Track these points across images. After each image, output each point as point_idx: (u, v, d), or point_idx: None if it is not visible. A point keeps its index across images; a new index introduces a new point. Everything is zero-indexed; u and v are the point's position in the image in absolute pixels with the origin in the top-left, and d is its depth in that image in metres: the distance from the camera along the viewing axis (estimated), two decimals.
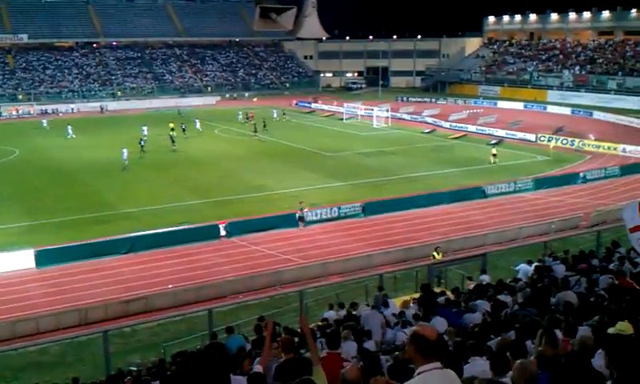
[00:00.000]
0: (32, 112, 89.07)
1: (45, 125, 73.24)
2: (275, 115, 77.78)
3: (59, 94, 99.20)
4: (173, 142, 57.86)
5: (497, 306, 12.95)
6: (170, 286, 27.10)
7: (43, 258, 29.72)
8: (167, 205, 39.91)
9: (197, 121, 70.44)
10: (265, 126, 67.53)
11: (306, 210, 35.68)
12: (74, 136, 65.44)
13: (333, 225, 35.80)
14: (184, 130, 65.59)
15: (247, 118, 75.03)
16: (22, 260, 29.44)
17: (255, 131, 65.35)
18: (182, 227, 34.25)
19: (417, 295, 17.69)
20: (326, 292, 23.80)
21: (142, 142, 56.54)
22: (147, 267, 29.79)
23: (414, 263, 27.21)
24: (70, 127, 66.80)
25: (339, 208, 37.00)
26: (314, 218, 35.90)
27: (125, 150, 51.35)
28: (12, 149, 59.68)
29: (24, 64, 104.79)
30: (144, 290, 26.76)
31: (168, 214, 37.80)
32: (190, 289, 26.60)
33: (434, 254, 26.42)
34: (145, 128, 63.05)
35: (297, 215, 35.33)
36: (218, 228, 33.79)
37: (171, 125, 62.77)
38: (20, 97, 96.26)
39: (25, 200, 41.68)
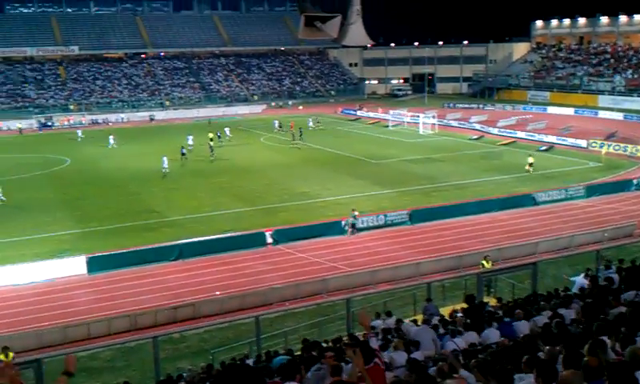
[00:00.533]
0: (83, 122, 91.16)
1: (80, 135, 74.09)
2: (311, 124, 77.59)
3: (109, 104, 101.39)
4: (212, 150, 58.32)
5: (550, 316, 12.55)
6: (217, 293, 27.24)
7: (94, 265, 30.25)
8: (213, 212, 40.24)
9: (227, 129, 71.15)
10: (301, 135, 67.52)
11: (357, 215, 35.51)
12: (115, 146, 66.59)
13: (379, 232, 35.51)
14: (219, 137, 66.55)
15: (280, 127, 75.86)
16: (75, 266, 30.00)
17: (293, 139, 65.50)
18: (228, 235, 34.47)
19: (465, 305, 17.35)
20: (374, 300, 23.57)
21: (184, 151, 57.50)
22: (194, 274, 30.01)
23: (463, 272, 26.76)
24: (111, 137, 68.03)
25: (386, 216, 36.70)
26: (360, 226, 35.66)
27: (165, 159, 52.20)
28: (63, 158, 61.14)
29: (75, 75, 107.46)
30: (191, 296, 26.95)
31: (214, 221, 38.10)
32: (236, 296, 26.67)
33: (484, 262, 25.92)
34: (190, 137, 63.72)
35: (348, 221, 35.22)
36: (264, 235, 33.87)
37: (210, 135, 63.74)
38: (72, 107, 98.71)
39: (76, 208, 42.57)
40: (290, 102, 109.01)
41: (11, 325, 24.56)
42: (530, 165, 49.30)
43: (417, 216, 37.15)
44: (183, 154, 57.04)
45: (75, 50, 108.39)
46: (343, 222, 35.42)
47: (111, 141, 67.03)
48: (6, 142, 75.06)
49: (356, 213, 35.64)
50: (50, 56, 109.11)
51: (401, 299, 23.55)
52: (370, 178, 49.07)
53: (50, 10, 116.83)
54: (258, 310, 22.53)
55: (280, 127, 75.79)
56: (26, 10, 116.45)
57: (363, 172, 51.42)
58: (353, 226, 35.15)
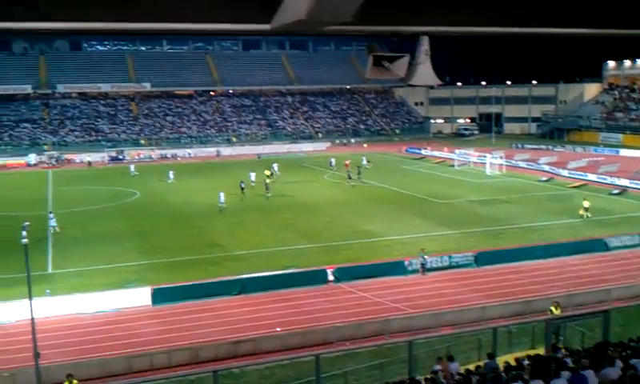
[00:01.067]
0: (153, 156, 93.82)
1: (132, 171, 75.26)
2: (365, 162, 77.14)
3: (178, 140, 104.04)
4: (267, 188, 58.42)
5: (623, 368, 11.82)
6: (277, 329, 27.09)
7: (159, 296, 30.66)
8: (276, 248, 40.33)
9: (275, 165, 71.59)
10: (359, 173, 67.25)
11: (427, 256, 35.02)
12: (174, 181, 67.70)
13: (444, 274, 34.80)
14: (271, 174, 66.61)
15: (330, 165, 76.05)
16: (140, 297, 30.50)
17: (349, 178, 65.29)
18: (290, 271, 34.41)
19: (531, 352, 16.62)
20: (436, 344, 22.90)
21: (243, 185, 58.75)
22: (256, 309, 29.99)
23: (531, 317, 25.81)
24: (171, 172, 69.19)
25: (450, 257, 35.99)
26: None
27: (222, 194, 52.90)
28: (133, 191, 62.79)
29: (146, 111, 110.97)
30: (252, 331, 26.89)
31: (276, 257, 38.15)
32: (297, 333, 26.47)
33: (552, 308, 24.99)
34: (253, 174, 64.15)
35: (418, 262, 34.78)
36: (326, 273, 33.65)
37: (266, 172, 64.73)
38: (142, 142, 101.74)
39: (143, 240, 43.46)
40: (353, 140, 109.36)
41: (77, 353, 25.01)
42: (586, 209, 47.14)
43: (483, 258, 36.28)
44: (242, 189, 58.16)
45: (147, 86, 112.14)
46: (406, 261, 34.88)
47: (171, 176, 68.37)
48: (78, 175, 77.70)
49: (425, 253, 35.13)
50: (124, 92, 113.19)
51: (465, 344, 22.81)
52: (435, 218, 48.34)
53: (125, 47, 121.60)
54: (318, 349, 22.28)
55: (330, 166, 75.92)
56: (102, 48, 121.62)
57: (428, 212, 50.73)
58: (422, 266, 34.57)
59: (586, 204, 47.47)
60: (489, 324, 24.72)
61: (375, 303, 30.66)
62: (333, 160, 78.16)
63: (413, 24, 8.08)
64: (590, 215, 46.73)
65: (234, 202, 54.94)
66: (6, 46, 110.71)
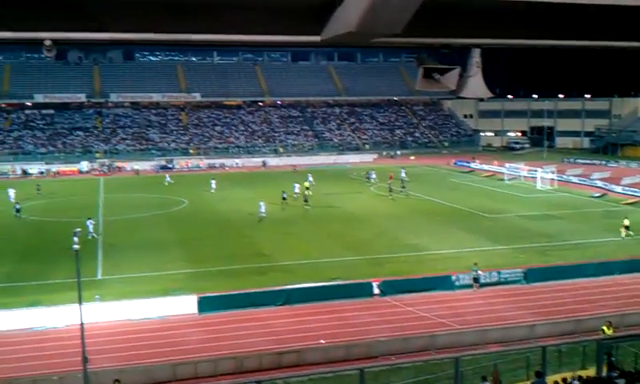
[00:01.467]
0: (201, 165, 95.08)
1: (168, 180, 75.82)
2: (403, 174, 75.80)
3: (226, 149, 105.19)
4: (306, 201, 58.11)
5: None
6: (322, 341, 26.95)
7: (205, 305, 30.87)
8: (321, 259, 40.20)
9: (309, 176, 71.20)
10: (404, 186, 66.53)
11: (480, 271, 34.50)
12: (215, 190, 67.91)
13: (492, 290, 34.12)
14: (307, 188, 65.72)
15: (367, 178, 75.27)
16: (186, 305, 30.76)
17: (390, 191, 64.44)
18: (335, 283, 34.26)
19: (582, 372, 16.10)
20: (483, 361, 22.41)
21: (285, 195, 58.92)
22: (300, 320, 29.93)
23: (581, 337, 25.06)
24: (213, 181, 69.35)
25: (499, 273, 35.29)
26: (470, 282, 34.44)
27: (262, 203, 53.32)
28: (182, 199, 63.61)
29: (196, 121, 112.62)
30: (296, 343, 26.82)
31: (322, 268, 38.03)
32: (341, 346, 26.29)
33: (604, 328, 24.24)
34: (297, 185, 64.06)
35: (471, 276, 34.30)
36: (372, 286, 33.36)
37: (306, 183, 64.72)
38: (191, 151, 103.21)
39: (190, 248, 43.90)
40: (399, 152, 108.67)
41: (123, 359, 25.35)
42: (626, 227, 45.24)
43: (532, 275, 35.48)
44: (284, 199, 58.39)
45: (197, 96, 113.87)
46: (453, 276, 34.36)
47: (213, 185, 68.88)
48: (128, 183, 79.16)
49: (478, 267, 34.64)
50: (174, 102, 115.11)
51: (513, 362, 22.26)
52: (484, 232, 47.56)
53: (177, 58, 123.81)
54: (362, 362, 22.05)
55: (367, 178, 75.31)
56: (154, 59, 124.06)
57: (476, 226, 49.94)
58: (476, 280, 34.05)
59: (626, 222, 45.78)
60: (538, 342, 24.12)
61: (421, 318, 30.25)
62: (373, 173, 77.23)
63: (464, 36, 7.94)
64: (632, 234, 45.00)
65: (279, 212, 55.15)
66: (62, 55, 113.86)
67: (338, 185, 72.15)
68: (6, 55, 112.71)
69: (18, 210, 54.50)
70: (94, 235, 45.82)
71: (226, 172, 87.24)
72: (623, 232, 45.20)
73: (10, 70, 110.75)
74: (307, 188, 62.88)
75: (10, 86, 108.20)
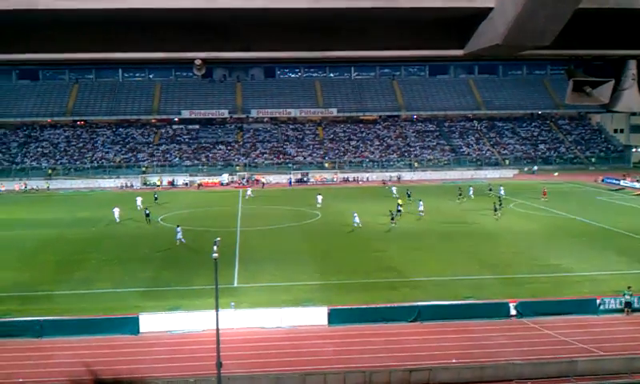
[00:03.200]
0: (335, 179, 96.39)
1: (249, 194, 76.29)
2: (502, 192, 72.91)
3: (360, 164, 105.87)
4: (392, 219, 55.86)
5: None
6: (454, 361, 26.28)
7: (335, 317, 31.10)
8: (455, 277, 39.24)
9: (393, 188, 70.68)
10: (500, 204, 62.94)
11: (634, 294, 32.42)
12: (320, 205, 67.78)
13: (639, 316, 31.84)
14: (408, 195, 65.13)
15: (389, 188, 73.24)
16: (317, 316, 31.15)
17: (495, 210, 60.61)
18: (468, 301, 33.34)
19: None
20: None
21: (400, 208, 59.63)
22: (431, 338, 29.37)
23: None
24: (319, 196, 69.32)
25: None
26: (617, 307, 32.27)
27: (355, 214, 54.92)
28: (316, 212, 64.65)
29: (332, 135, 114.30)
30: (427, 360, 26.34)
31: (455, 286, 37.12)
32: (473, 367, 25.49)
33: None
34: (421, 202, 62.17)
35: (623, 300, 32.37)
36: (508, 306, 32.14)
37: (400, 201, 63.79)
38: (326, 165, 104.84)
39: (322, 260, 44.39)
40: (535, 168, 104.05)
41: (255, 365, 26.09)
42: None
43: None
44: (399, 211, 58.85)
45: (334, 111, 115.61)
46: (598, 300, 32.34)
47: (319, 200, 68.80)
48: (266, 195, 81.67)
49: (632, 291, 32.52)
50: (311, 117, 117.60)
51: None
52: (633, 254, 44.36)
53: (315, 74, 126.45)
54: None
55: (389, 188, 72.91)
56: (293, 75, 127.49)
57: (625, 247, 46.69)
58: (628, 304, 31.94)
59: None
60: None
61: (561, 342, 28.72)
62: (394, 188, 76.39)
63: (620, 47, 7.41)
64: None
65: (409, 226, 54.52)
66: (208, 73, 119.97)
67: (474, 201, 70.31)
68: (156, 73, 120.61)
69: (147, 215, 59.24)
70: (182, 240, 48.22)
71: (359, 186, 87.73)
72: None
73: (160, 87, 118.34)
74: (400, 205, 61.63)
75: (160, 102, 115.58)
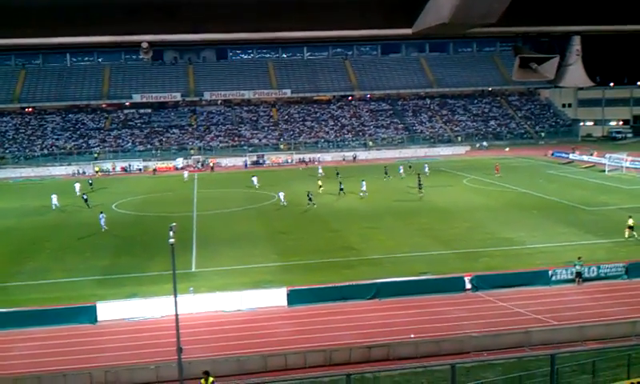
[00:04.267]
0: (290, 160, 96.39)
1: (255, 183, 71.69)
2: (426, 170, 74.79)
3: (316, 144, 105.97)
4: (310, 200, 56.39)
5: None
6: (411, 336, 26.69)
7: (294, 298, 31.20)
8: (411, 253, 39.79)
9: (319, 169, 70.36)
10: (420, 184, 62.00)
11: (584, 265, 33.36)
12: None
13: (590, 285, 32.79)
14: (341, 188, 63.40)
15: (385, 173, 73.43)
16: (276, 298, 31.19)
17: (420, 188, 61.50)
18: (425, 277, 33.85)
19: None
20: (581, 358, 21.54)
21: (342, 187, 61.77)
22: (389, 314, 29.72)
23: None
24: (254, 178, 70.45)
25: (598, 267, 33.81)
26: (568, 277, 33.20)
27: (282, 194, 58.38)
28: (272, 194, 64.56)
29: (286, 116, 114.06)
30: (386, 337, 26.67)
31: (411, 262, 37.64)
32: (432, 341, 25.92)
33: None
34: (363, 182, 62.44)
35: (574, 270, 33.24)
36: (464, 281, 32.73)
37: (320, 182, 65.62)
38: (282, 146, 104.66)
39: (279, 241, 44.43)
40: (485, 144, 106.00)
41: (216, 349, 26.02)
42: (631, 228, 41.18)
43: (635, 270, 33.77)
44: (341, 189, 61.34)
45: (288, 92, 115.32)
46: (550, 271, 33.21)
47: (255, 182, 69.70)
48: (219, 178, 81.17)
49: (583, 261, 33.40)
50: (265, 99, 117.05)
51: (613, 360, 21.25)
52: (583, 226, 45.67)
53: (267, 55, 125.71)
54: (453, 358, 21.67)
55: (337, 175, 71.93)
56: (246, 56, 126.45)
57: (575, 219, 48.02)
58: (579, 274, 32.91)
59: (630, 221, 41.44)
60: None
61: (515, 314, 29.41)
62: (401, 167, 77.36)
63: (565, 23, 7.56)
64: (636, 235, 40.84)
65: (366, 206, 54.95)
66: (158, 56, 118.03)
67: (429, 178, 71.16)
68: (105, 57, 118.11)
69: (85, 200, 59.87)
70: (105, 228, 48.47)
71: (315, 166, 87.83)
72: (627, 233, 41.29)
73: (109, 71, 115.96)
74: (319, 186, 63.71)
75: (110, 86, 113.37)
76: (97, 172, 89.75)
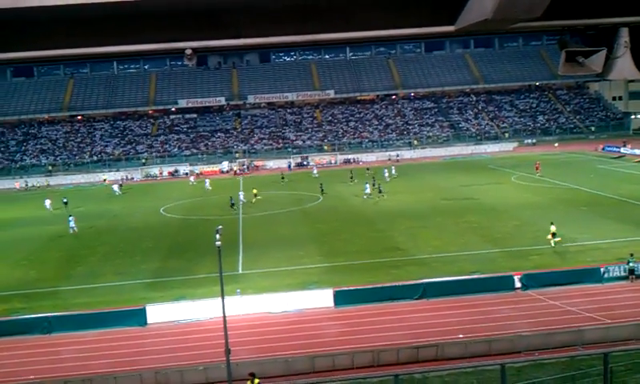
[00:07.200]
0: (333, 162, 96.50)
1: (208, 187, 74.68)
2: (394, 172, 74.35)
3: (360, 144, 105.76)
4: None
5: None
6: (460, 336, 26.40)
7: (341, 298, 31.20)
8: (459, 253, 39.33)
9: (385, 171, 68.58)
10: (380, 188, 61.60)
11: (637, 261, 32.55)
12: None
13: None
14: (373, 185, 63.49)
15: (351, 178, 72.32)
16: (323, 299, 31.25)
17: (380, 192, 60.86)
18: (474, 276, 33.45)
19: None
20: (636, 357, 20.96)
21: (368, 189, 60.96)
22: (438, 314, 29.47)
23: None
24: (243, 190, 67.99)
25: None
26: (621, 274, 32.35)
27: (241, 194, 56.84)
28: (317, 195, 64.62)
29: (330, 117, 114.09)
30: (434, 337, 26.45)
31: (460, 262, 37.22)
32: (481, 340, 25.59)
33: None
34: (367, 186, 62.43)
35: (626, 267, 32.45)
36: (513, 279, 32.24)
37: (254, 191, 64.19)
38: (325, 147, 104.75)
39: (325, 243, 44.45)
40: (533, 140, 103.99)
41: (263, 350, 26.20)
42: (553, 234, 38.94)
43: None
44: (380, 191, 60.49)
45: (331, 93, 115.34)
46: (602, 268, 32.43)
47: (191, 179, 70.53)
48: (266, 181, 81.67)
49: (635, 258, 32.60)
50: (308, 100, 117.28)
51: None
52: (635, 221, 44.40)
53: (310, 57, 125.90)
54: (503, 358, 21.34)
55: (351, 178, 71.96)
56: (288, 59, 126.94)
57: (627, 215, 46.74)
58: (631, 271, 32.07)
59: (553, 228, 39.17)
60: None
61: (567, 312, 28.83)
62: (386, 171, 74.17)
63: (611, 15, 7.39)
64: (557, 242, 38.68)
65: (418, 206, 54.50)
66: (202, 61, 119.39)
67: (475, 176, 70.33)
68: (151, 64, 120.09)
69: (65, 203, 61.53)
70: (75, 229, 50.35)
71: (360, 167, 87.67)
72: (550, 239, 38.90)
73: (155, 78, 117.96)
74: (255, 195, 63.10)
75: (156, 93, 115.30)
76: (121, 185, 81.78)
